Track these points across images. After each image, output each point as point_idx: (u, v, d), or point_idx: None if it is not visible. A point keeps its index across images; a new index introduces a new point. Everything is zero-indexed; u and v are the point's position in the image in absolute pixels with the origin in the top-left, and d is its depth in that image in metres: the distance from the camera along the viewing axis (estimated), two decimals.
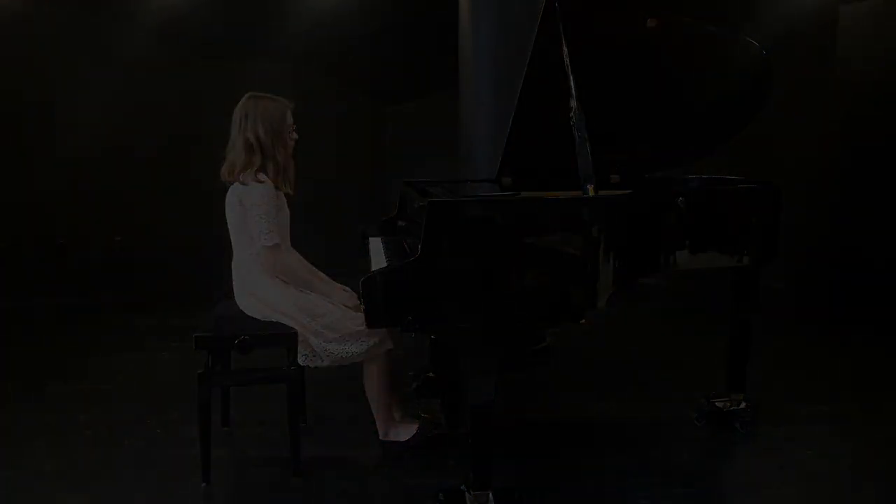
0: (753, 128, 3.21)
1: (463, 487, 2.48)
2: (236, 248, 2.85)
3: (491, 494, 2.43)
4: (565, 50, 2.58)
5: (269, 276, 2.78)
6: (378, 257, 2.97)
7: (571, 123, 2.52)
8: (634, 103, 3.10)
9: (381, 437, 2.95)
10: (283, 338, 2.71)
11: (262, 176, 2.75)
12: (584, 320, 2.36)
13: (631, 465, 2.85)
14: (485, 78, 4.66)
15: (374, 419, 2.94)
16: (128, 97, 5.47)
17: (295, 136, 2.86)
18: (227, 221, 2.84)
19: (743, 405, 3.18)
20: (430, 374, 3.48)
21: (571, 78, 2.55)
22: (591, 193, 2.45)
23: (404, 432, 2.93)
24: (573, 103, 2.53)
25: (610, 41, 2.89)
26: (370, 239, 3.33)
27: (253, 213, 2.71)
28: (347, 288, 2.85)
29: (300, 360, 2.73)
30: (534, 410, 3.42)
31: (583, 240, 2.34)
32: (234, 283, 2.87)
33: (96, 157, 5.43)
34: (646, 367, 3.96)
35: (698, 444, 3.04)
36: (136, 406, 3.46)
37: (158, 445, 3.04)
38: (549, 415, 3.37)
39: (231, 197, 2.80)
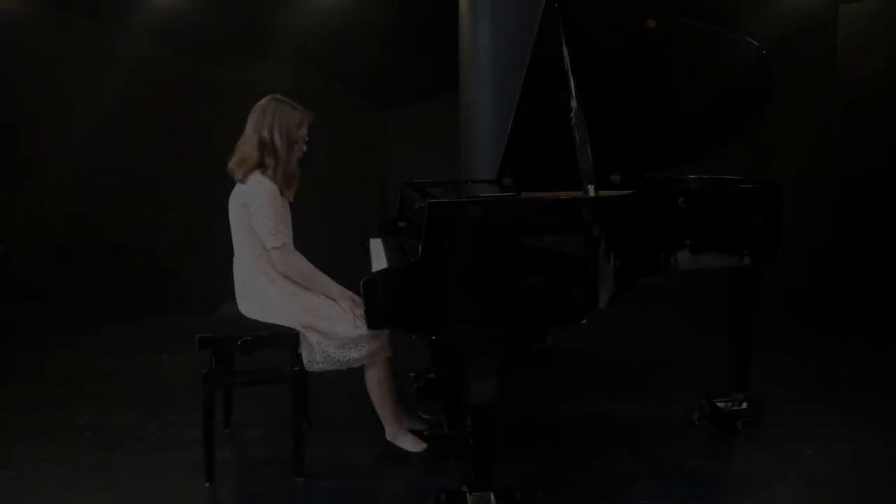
0: (754, 127, 3.21)
1: (464, 488, 2.48)
2: (237, 249, 2.85)
3: (492, 495, 2.43)
4: (565, 50, 2.59)
5: (269, 276, 2.79)
6: (379, 258, 2.97)
7: (571, 124, 2.52)
8: (635, 103, 3.10)
9: (388, 438, 2.96)
10: (286, 339, 2.71)
11: (269, 173, 2.76)
12: (585, 321, 2.36)
13: (632, 465, 2.86)
14: (485, 78, 4.66)
15: (381, 420, 2.95)
16: (129, 98, 5.47)
17: (304, 148, 2.86)
18: (230, 222, 2.84)
19: (744, 405, 3.18)
20: (431, 375, 3.50)
21: (571, 78, 2.55)
22: (592, 194, 2.45)
23: (412, 445, 2.94)
24: (573, 104, 2.54)
25: (610, 41, 2.89)
26: (371, 240, 3.33)
27: (259, 214, 2.71)
28: (349, 291, 2.85)
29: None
30: (535, 411, 3.42)
31: (583, 240, 2.35)
32: (235, 284, 2.88)
33: (96, 158, 5.43)
34: (647, 368, 3.96)
35: (699, 444, 3.05)
36: (136, 408, 3.46)
37: (159, 447, 3.05)
38: (550, 415, 3.37)
39: (235, 198, 2.80)
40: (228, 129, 2.88)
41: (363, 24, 5.61)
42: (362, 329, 2.68)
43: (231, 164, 2.82)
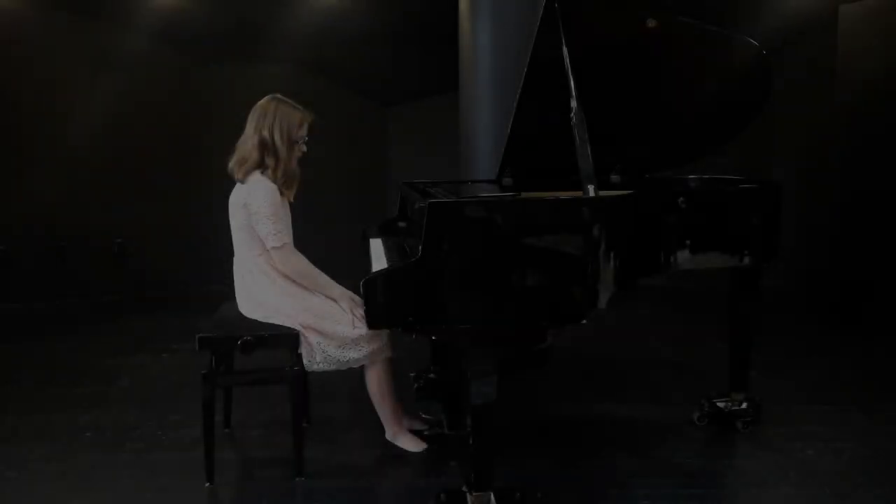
0: (754, 127, 3.22)
1: (464, 488, 2.48)
2: (237, 249, 2.85)
3: (492, 495, 2.43)
4: (565, 50, 2.59)
5: (269, 276, 2.79)
6: (378, 258, 2.97)
7: (571, 124, 2.52)
8: (635, 103, 3.10)
9: (388, 438, 2.96)
10: (286, 339, 2.71)
11: (269, 173, 2.76)
12: (585, 321, 2.36)
13: (632, 464, 2.86)
14: (485, 78, 4.66)
15: (381, 420, 2.95)
16: (128, 98, 5.47)
17: (304, 148, 2.86)
18: (230, 222, 2.84)
19: (744, 405, 3.18)
20: (431, 375, 3.49)
21: (571, 78, 2.55)
22: (592, 194, 2.45)
23: (412, 445, 2.94)
24: (573, 103, 2.54)
25: (610, 41, 2.89)
26: (371, 240, 3.33)
27: (259, 214, 2.71)
28: (349, 291, 2.85)
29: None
30: (535, 411, 3.42)
31: (583, 240, 2.35)
32: (235, 284, 2.87)
33: (96, 158, 5.43)
34: (647, 368, 3.96)
35: (699, 444, 3.05)
36: (136, 408, 3.46)
37: (159, 447, 3.05)
38: (550, 415, 3.37)
39: (235, 198, 2.80)
40: (229, 128, 2.88)
41: (363, 24, 5.61)
42: (362, 329, 2.69)
43: (231, 164, 2.82)
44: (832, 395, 3.52)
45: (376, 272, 2.35)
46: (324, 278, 2.81)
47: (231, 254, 2.88)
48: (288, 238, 2.78)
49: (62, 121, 5.32)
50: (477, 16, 4.66)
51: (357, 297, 2.73)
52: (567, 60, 2.58)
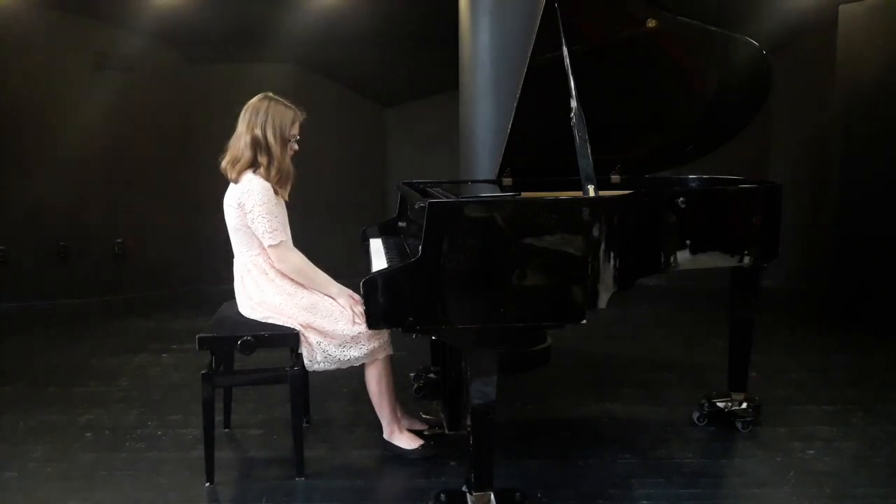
0: (754, 127, 3.22)
1: (464, 488, 2.48)
2: (236, 249, 2.85)
3: (492, 495, 2.43)
4: (565, 50, 2.59)
5: (268, 276, 2.79)
6: (378, 258, 2.97)
7: (571, 123, 2.53)
8: (635, 103, 3.10)
9: (385, 437, 2.95)
10: (286, 339, 2.71)
11: (261, 171, 2.75)
12: (585, 321, 2.36)
13: (632, 464, 2.86)
14: (485, 78, 4.66)
15: (379, 419, 2.95)
16: (128, 98, 5.47)
17: (296, 146, 2.85)
18: (227, 223, 2.84)
19: (744, 405, 3.18)
20: (431, 375, 3.50)
21: (571, 78, 2.55)
22: (592, 194, 2.45)
23: (408, 443, 2.94)
24: (573, 103, 2.54)
25: (610, 41, 2.89)
26: (370, 240, 3.33)
27: (254, 213, 2.71)
28: (348, 289, 2.85)
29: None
30: (535, 410, 3.42)
31: (583, 240, 2.35)
32: (234, 284, 2.88)
33: (96, 158, 5.43)
34: (647, 368, 3.96)
35: (699, 444, 3.05)
36: (137, 408, 3.46)
37: (160, 447, 3.05)
38: (550, 415, 3.37)
39: (230, 199, 2.80)
40: (228, 129, 2.87)
41: (363, 24, 5.60)
42: (362, 326, 2.68)
43: (224, 164, 2.81)
44: (832, 395, 3.52)
45: (376, 272, 2.35)
46: (322, 276, 2.81)
47: (231, 254, 2.88)
48: (284, 236, 2.78)
49: (62, 120, 5.32)
50: (477, 16, 4.66)
51: (356, 295, 2.74)
52: (567, 60, 2.58)
